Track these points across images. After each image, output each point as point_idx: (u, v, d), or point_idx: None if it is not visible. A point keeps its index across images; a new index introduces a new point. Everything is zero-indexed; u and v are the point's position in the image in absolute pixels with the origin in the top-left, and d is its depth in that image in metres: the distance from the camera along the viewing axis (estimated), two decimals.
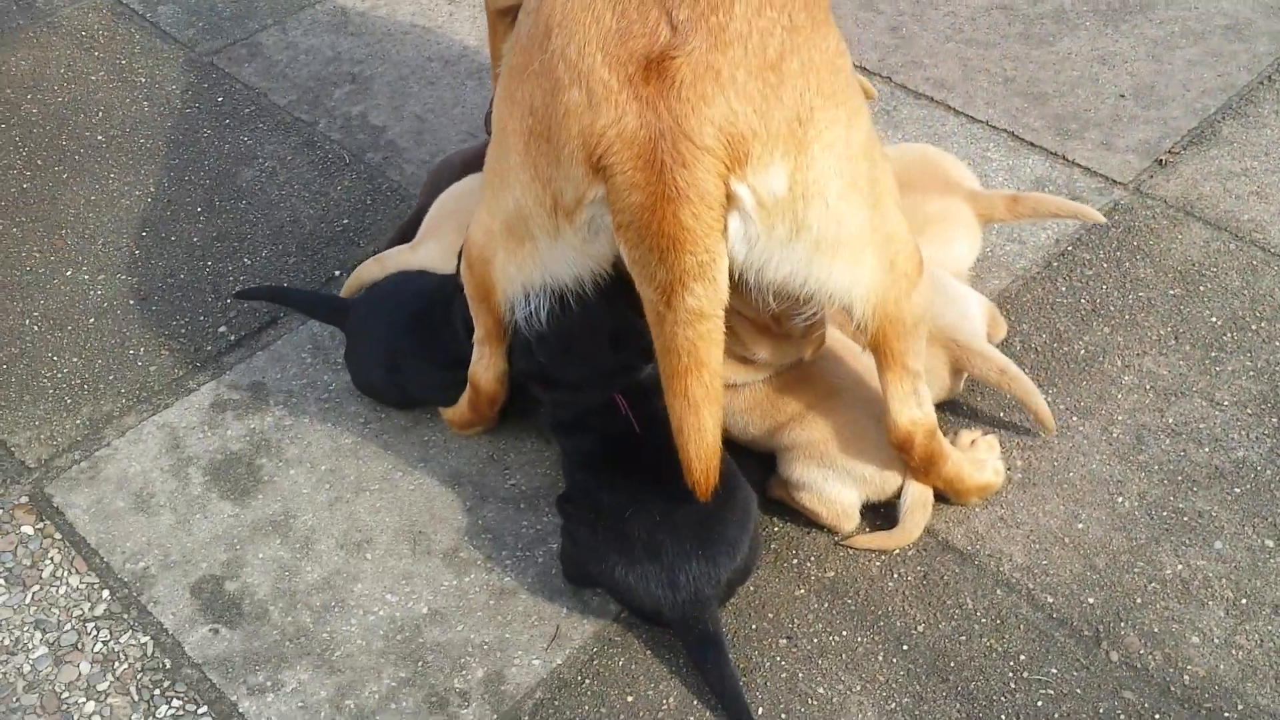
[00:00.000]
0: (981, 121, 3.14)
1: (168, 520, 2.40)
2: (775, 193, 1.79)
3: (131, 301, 2.86)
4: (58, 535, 2.39)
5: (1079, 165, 3.01)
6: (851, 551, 2.28)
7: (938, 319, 2.34)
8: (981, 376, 2.36)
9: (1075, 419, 2.46)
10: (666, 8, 1.73)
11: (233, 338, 2.76)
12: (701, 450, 1.93)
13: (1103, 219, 2.64)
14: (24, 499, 2.45)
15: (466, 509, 2.39)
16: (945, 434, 2.35)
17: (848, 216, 1.88)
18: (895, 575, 2.24)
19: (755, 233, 1.82)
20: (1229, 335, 2.58)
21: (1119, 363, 2.56)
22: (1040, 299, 2.70)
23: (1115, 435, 2.43)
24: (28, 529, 2.40)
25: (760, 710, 2.06)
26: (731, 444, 2.22)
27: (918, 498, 2.25)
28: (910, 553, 2.27)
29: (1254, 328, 2.60)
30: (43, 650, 2.21)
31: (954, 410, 2.48)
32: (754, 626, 2.18)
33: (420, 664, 2.15)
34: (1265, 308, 2.63)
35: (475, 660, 2.15)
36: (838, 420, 2.24)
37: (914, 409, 2.13)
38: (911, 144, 2.81)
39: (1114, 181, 2.97)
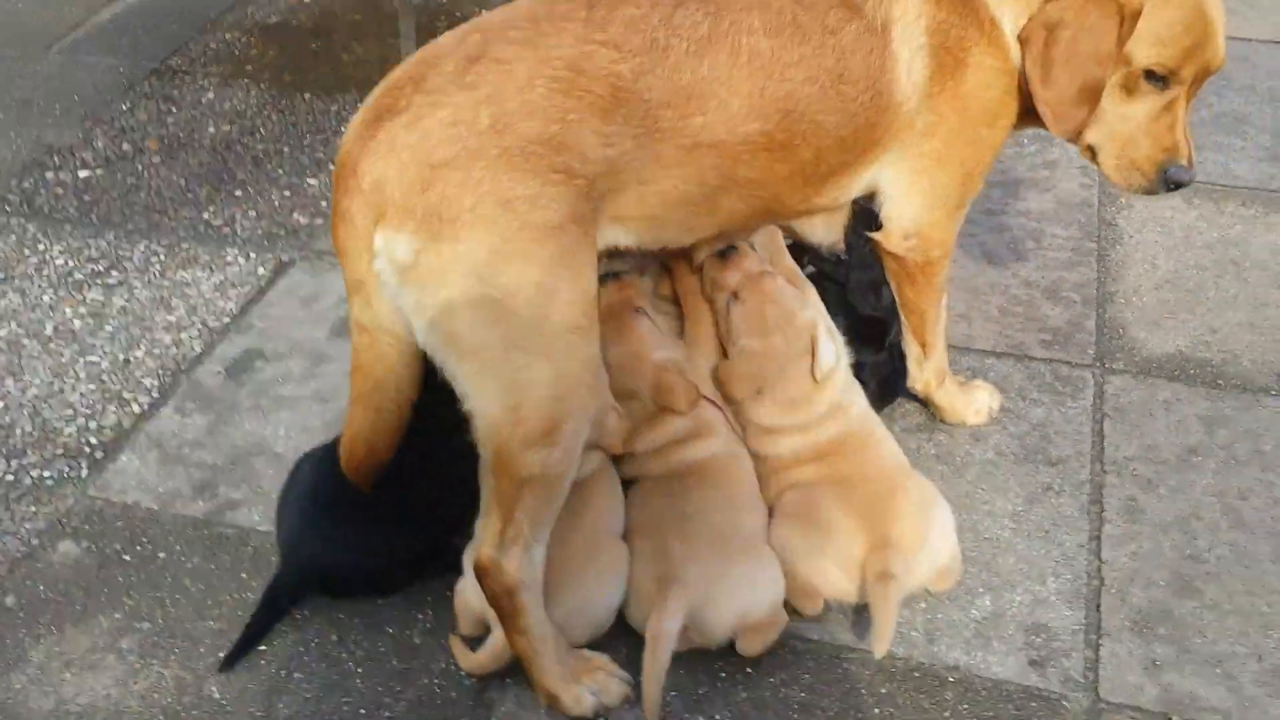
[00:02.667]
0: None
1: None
2: (400, 259, 2.14)
3: None
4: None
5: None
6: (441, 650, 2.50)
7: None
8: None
9: None
10: (418, 82, 2.17)
11: None
12: (346, 437, 2.40)
13: (877, 655, 2.36)
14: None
15: None
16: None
17: (471, 333, 2.15)
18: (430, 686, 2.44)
19: (394, 287, 2.18)
20: None
21: None
22: None
23: None
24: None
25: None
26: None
27: (497, 641, 2.38)
28: (469, 682, 2.43)
29: None
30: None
31: None
32: (320, 627, 2.55)
33: None
34: None
35: None
36: None
37: (498, 552, 2.25)
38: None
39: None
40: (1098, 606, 2.59)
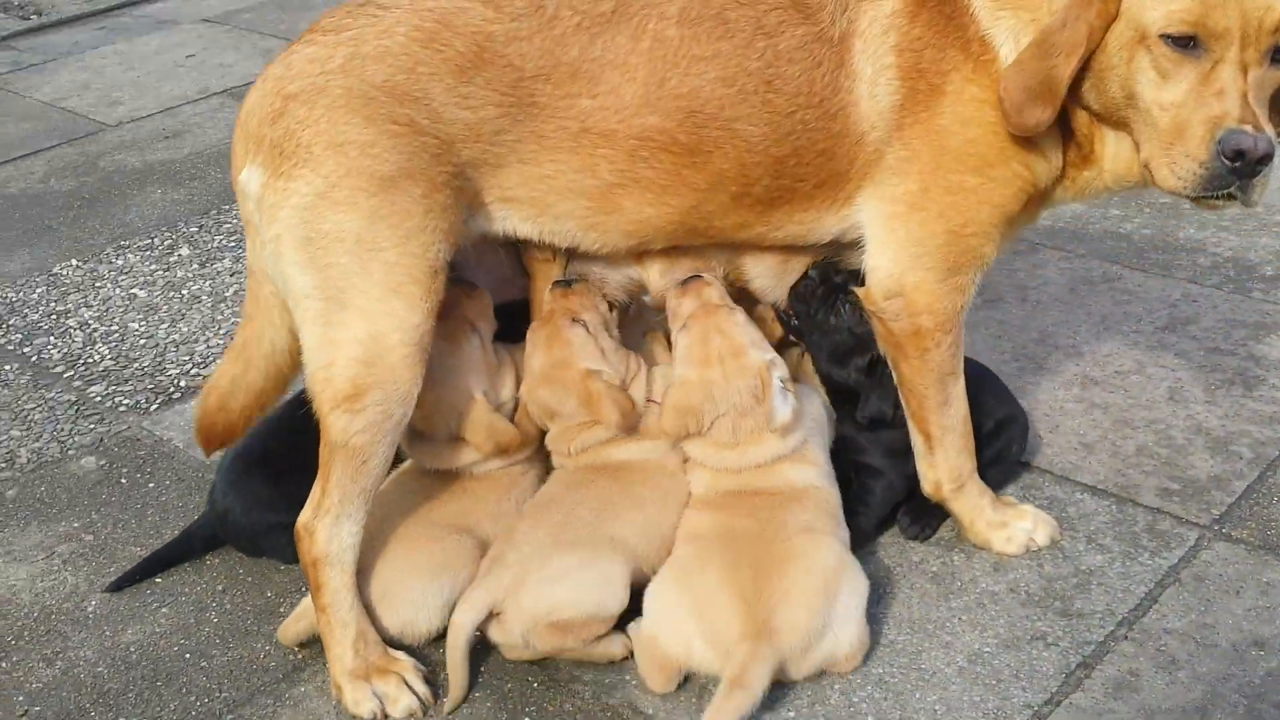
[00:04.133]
0: None
1: None
2: (251, 190, 2.18)
3: None
4: None
5: None
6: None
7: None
8: None
9: None
10: (321, 21, 2.21)
11: None
12: (205, 386, 2.49)
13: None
14: None
15: None
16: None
17: (296, 278, 2.15)
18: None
19: (257, 224, 2.20)
20: None
21: None
22: None
23: None
24: None
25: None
26: None
27: (305, 605, 2.33)
28: (295, 655, 2.38)
29: None
30: None
31: None
32: (216, 574, 2.61)
33: None
34: None
35: None
36: None
37: (314, 519, 2.21)
38: None
39: None
40: None
